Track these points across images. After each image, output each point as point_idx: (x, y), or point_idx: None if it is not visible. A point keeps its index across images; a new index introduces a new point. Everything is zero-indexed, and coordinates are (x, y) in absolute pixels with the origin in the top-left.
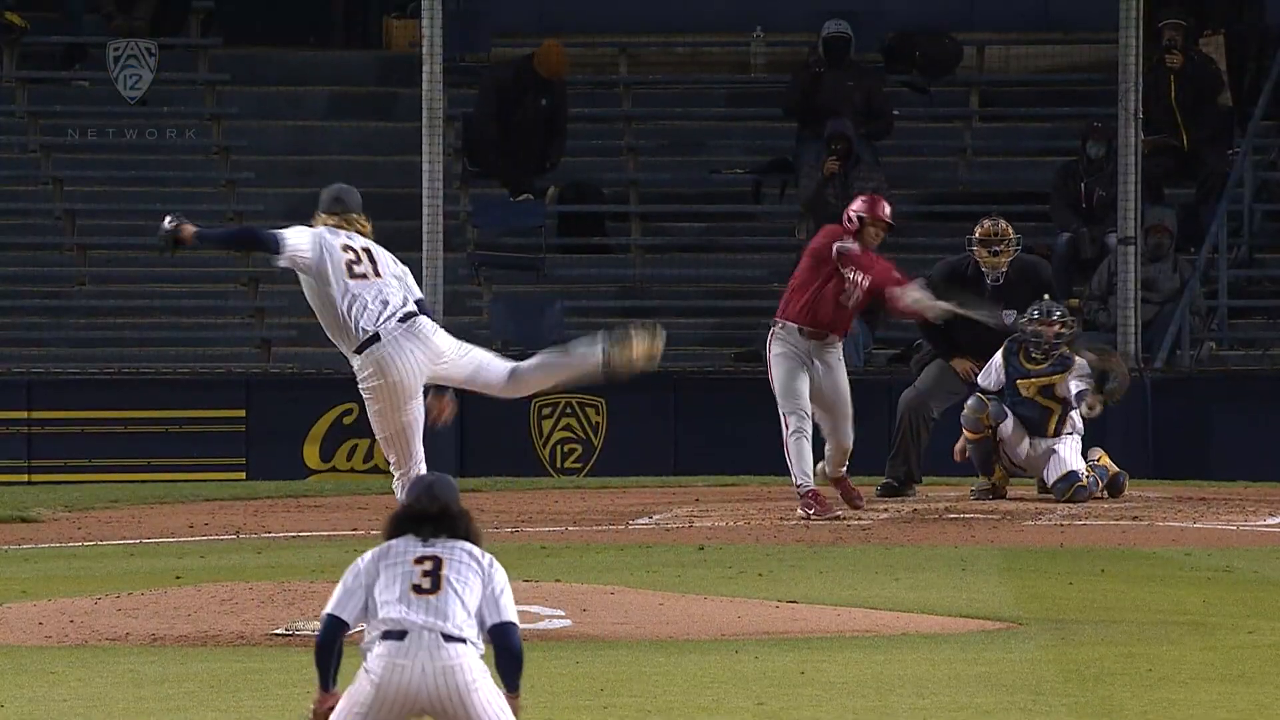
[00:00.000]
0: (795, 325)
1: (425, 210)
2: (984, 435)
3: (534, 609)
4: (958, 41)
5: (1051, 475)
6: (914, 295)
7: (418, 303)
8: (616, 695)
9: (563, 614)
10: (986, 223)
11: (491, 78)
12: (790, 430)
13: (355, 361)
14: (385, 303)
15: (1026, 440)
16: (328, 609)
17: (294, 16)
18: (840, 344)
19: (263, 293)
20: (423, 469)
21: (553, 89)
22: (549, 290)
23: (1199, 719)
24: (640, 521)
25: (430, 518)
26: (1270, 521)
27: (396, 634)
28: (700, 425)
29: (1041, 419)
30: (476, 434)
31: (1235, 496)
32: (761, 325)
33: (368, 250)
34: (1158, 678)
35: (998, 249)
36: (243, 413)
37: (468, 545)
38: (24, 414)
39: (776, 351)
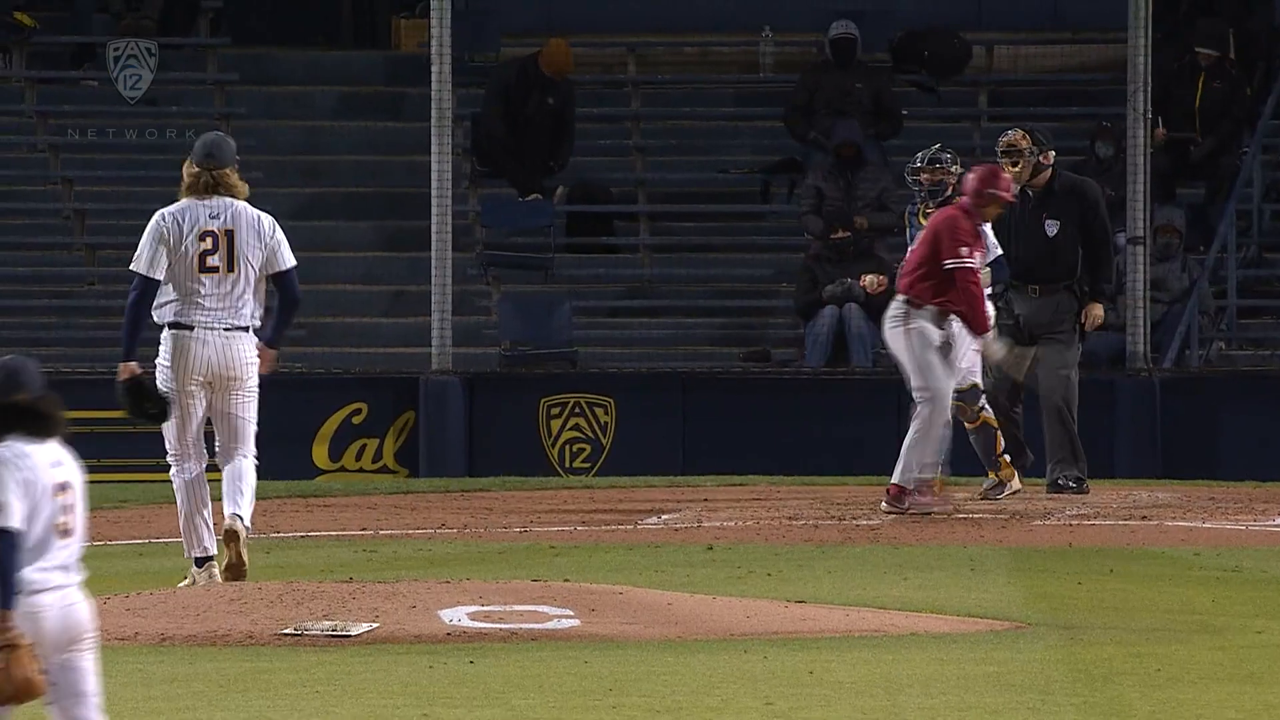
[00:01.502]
0: (927, 304)
1: (434, 210)
2: (980, 422)
3: (542, 608)
4: (966, 41)
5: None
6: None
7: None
8: (625, 695)
9: (571, 613)
10: (1004, 135)
11: (497, 77)
12: (923, 415)
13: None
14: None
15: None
16: (7, 522)
17: (302, 16)
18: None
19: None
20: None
21: (558, 88)
22: (557, 290)
23: (1208, 719)
24: (649, 521)
25: (39, 414)
26: (1279, 521)
27: (61, 581)
28: (709, 425)
29: None
30: (485, 434)
31: (1244, 496)
32: (769, 325)
33: (228, 235)
34: (1166, 678)
35: (1016, 160)
36: None
37: (72, 461)
38: None
39: (912, 326)
